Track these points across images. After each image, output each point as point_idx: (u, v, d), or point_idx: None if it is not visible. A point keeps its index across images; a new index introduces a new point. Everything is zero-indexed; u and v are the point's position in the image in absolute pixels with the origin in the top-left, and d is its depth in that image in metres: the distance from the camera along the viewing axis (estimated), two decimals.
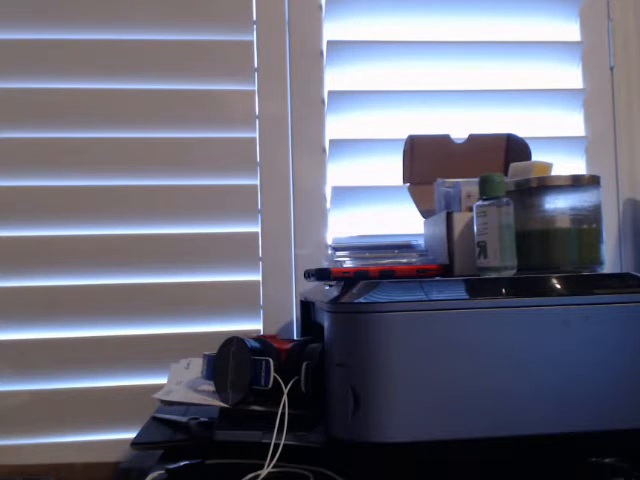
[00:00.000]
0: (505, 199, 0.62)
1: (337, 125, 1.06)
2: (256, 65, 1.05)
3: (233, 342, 0.66)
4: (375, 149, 1.03)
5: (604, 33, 1.10)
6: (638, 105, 1.10)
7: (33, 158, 1.00)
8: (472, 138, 0.94)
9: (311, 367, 0.62)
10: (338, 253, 0.79)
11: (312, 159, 1.05)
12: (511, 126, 1.00)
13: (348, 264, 0.75)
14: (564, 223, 0.66)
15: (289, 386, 0.61)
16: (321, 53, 1.06)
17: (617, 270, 1.06)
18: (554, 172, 0.73)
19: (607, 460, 0.56)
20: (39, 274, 0.99)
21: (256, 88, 1.05)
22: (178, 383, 0.75)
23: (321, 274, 0.65)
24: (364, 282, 0.58)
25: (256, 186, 1.03)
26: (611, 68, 1.10)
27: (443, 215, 0.71)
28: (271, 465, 0.56)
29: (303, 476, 0.57)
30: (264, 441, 0.59)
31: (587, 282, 0.59)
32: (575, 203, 0.66)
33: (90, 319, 0.99)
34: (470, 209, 0.68)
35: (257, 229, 1.03)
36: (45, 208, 1.00)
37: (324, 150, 1.05)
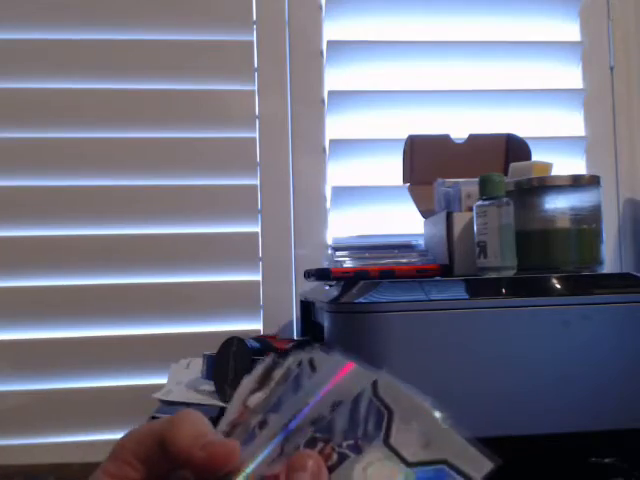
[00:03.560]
0: (505, 199, 0.62)
1: (337, 125, 1.06)
2: (256, 65, 1.05)
3: (233, 342, 0.66)
4: (375, 149, 1.03)
5: (604, 33, 1.10)
6: (638, 105, 1.09)
7: (33, 158, 1.00)
8: (472, 138, 0.94)
9: None
10: (338, 253, 0.79)
11: (312, 159, 1.05)
12: (511, 126, 1.00)
13: (348, 264, 0.75)
14: (564, 223, 0.66)
15: None
16: (321, 53, 1.06)
17: (617, 270, 1.06)
18: (554, 172, 0.73)
19: (607, 460, 0.56)
20: (38, 274, 0.99)
21: (256, 88, 1.04)
22: (178, 383, 0.75)
23: (321, 274, 0.65)
24: (364, 282, 0.58)
25: (256, 186, 1.03)
26: (611, 68, 1.10)
27: (443, 215, 0.71)
28: None
29: None
30: None
31: (587, 282, 0.59)
32: (575, 203, 0.66)
33: (90, 319, 0.98)
34: (470, 209, 0.68)
35: (257, 229, 1.03)
36: (44, 208, 1.00)
37: (324, 150, 1.05)
